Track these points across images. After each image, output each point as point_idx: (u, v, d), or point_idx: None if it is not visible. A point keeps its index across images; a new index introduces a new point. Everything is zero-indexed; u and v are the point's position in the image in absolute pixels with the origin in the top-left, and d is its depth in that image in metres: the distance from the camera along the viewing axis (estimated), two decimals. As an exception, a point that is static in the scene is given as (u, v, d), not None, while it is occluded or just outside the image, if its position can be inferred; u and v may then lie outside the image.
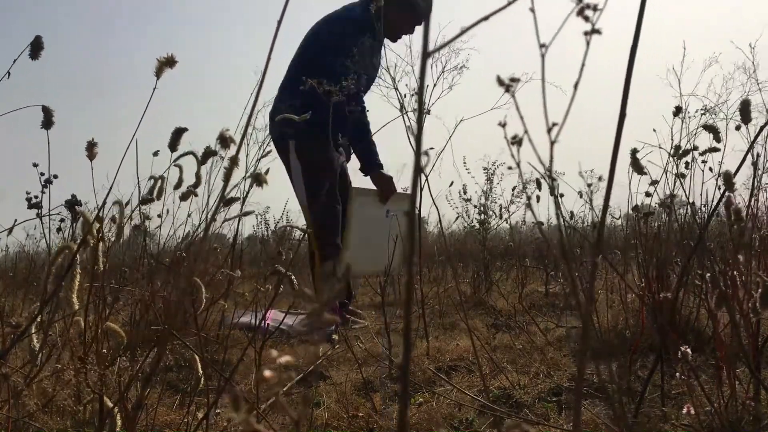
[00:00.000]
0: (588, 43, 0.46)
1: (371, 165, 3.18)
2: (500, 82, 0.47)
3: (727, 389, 1.33)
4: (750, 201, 1.50)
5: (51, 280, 1.00)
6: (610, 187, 0.54)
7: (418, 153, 0.37)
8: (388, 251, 2.26)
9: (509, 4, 0.45)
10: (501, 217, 3.91)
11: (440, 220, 2.52)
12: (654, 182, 1.99)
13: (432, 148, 2.20)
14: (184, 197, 1.26)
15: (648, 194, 2.07)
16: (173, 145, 1.08)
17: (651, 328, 1.98)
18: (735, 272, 1.23)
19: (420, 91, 0.37)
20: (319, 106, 2.20)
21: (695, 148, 1.66)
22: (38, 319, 1.09)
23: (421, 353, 2.25)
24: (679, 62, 2.08)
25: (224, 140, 0.97)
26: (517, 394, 1.75)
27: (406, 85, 2.23)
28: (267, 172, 1.06)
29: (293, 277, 1.22)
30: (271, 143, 2.94)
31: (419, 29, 3.04)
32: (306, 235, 3.13)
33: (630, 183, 2.07)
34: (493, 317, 3.06)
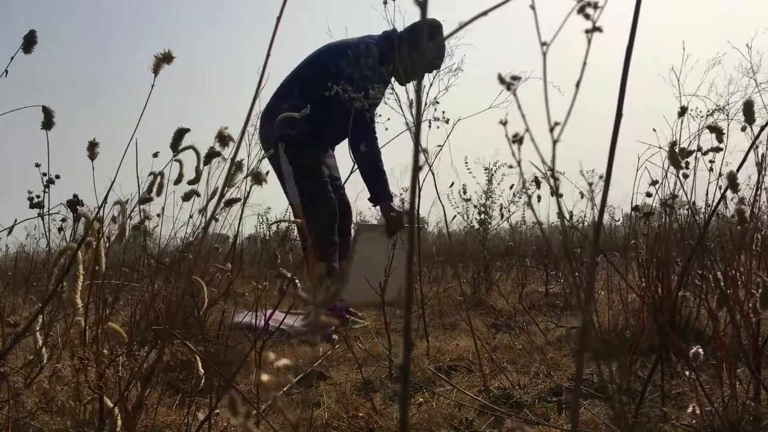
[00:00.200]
0: (589, 41, 0.46)
1: (381, 196, 3.13)
2: (501, 80, 0.47)
3: (728, 389, 1.33)
4: (753, 201, 1.50)
5: (53, 280, 1.00)
6: (607, 187, 0.53)
7: (416, 152, 0.37)
8: (390, 281, 2.23)
9: (506, 1, 0.45)
10: (502, 216, 3.91)
11: (446, 220, 2.51)
12: (654, 182, 1.99)
13: (440, 146, 2.20)
14: (186, 197, 1.26)
15: (648, 194, 2.07)
16: (175, 146, 1.08)
17: (651, 328, 1.98)
18: (735, 272, 1.23)
19: (418, 96, 0.37)
20: (318, 111, 2.20)
21: (699, 149, 1.66)
22: (39, 319, 1.08)
23: (421, 353, 2.25)
24: (682, 62, 2.09)
25: (223, 138, 0.97)
26: (517, 394, 1.75)
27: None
28: (268, 172, 1.06)
29: (297, 280, 1.22)
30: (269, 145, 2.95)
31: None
32: (299, 233, 3.14)
33: (635, 183, 2.07)
34: (493, 317, 3.06)
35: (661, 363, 1.57)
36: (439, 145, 2.22)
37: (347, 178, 2.62)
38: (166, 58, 0.93)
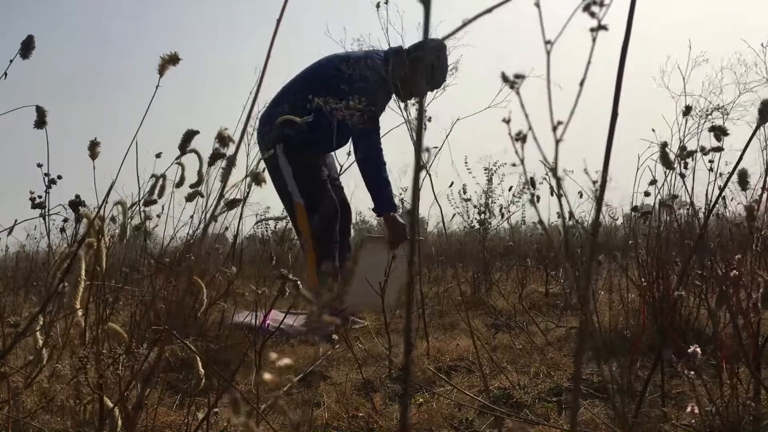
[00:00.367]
0: (594, 40, 0.46)
1: (385, 206, 3.11)
2: (505, 78, 0.47)
3: (728, 389, 1.33)
4: (760, 200, 1.50)
5: (54, 282, 1.00)
6: (604, 186, 0.53)
7: (418, 152, 0.37)
8: (391, 288, 2.22)
9: (506, 1, 0.45)
10: (503, 216, 3.91)
11: (443, 220, 2.51)
12: (653, 182, 1.99)
13: (437, 147, 2.21)
14: (189, 198, 1.25)
15: (647, 194, 2.07)
16: (183, 147, 1.08)
17: (651, 328, 1.98)
18: (737, 271, 1.23)
19: (420, 107, 0.37)
20: (320, 119, 2.20)
21: (702, 149, 1.66)
22: (39, 319, 1.08)
23: (421, 353, 2.25)
24: (682, 62, 2.09)
25: (223, 139, 0.97)
26: (517, 394, 1.75)
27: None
28: (265, 169, 1.05)
29: (298, 281, 1.22)
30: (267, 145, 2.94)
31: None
32: (296, 232, 3.14)
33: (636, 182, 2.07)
34: (493, 317, 3.06)
35: (661, 363, 1.57)
36: (436, 147, 2.23)
37: (340, 173, 2.60)
38: (173, 60, 0.93)
